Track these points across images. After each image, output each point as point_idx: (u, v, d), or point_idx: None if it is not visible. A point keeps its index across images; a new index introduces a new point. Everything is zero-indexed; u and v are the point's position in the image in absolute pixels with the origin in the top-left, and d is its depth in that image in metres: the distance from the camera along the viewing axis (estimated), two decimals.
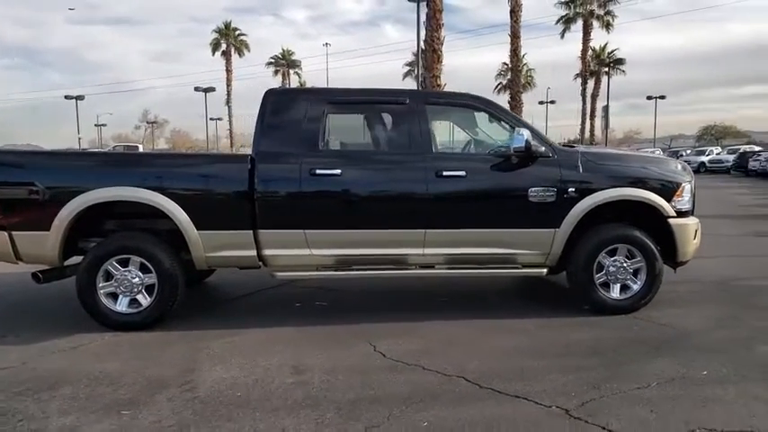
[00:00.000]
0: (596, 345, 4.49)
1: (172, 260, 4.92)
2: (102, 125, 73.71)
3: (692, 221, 5.38)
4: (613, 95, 46.86)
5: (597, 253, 5.20)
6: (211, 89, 56.24)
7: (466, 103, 5.35)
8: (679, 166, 5.61)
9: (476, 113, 5.39)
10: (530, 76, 54.24)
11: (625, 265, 5.23)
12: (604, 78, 48.95)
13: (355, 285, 6.34)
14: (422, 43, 19.19)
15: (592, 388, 3.63)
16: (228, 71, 57.30)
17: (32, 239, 4.82)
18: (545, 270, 5.28)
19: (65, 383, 3.77)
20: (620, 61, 49.87)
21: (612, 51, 49.92)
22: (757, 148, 43.22)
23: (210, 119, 57.63)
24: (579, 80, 48.18)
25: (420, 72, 33.32)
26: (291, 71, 53.28)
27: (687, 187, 5.40)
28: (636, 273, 5.27)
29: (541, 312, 5.36)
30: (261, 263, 5.12)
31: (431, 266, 5.33)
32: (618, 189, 5.18)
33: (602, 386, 3.65)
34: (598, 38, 47.25)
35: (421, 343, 4.55)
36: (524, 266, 5.30)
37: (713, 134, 76.34)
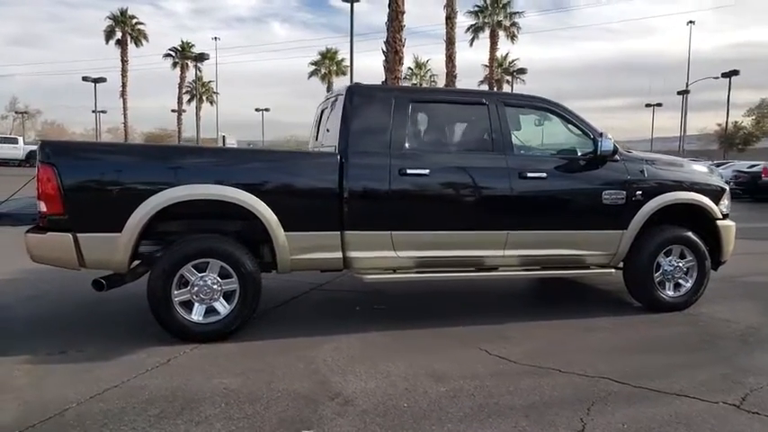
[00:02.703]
0: (684, 340, 4.74)
1: (254, 263, 4.57)
2: None
3: (733, 224, 5.78)
4: None
5: (658, 253, 5.45)
6: (102, 80, 52.49)
7: (541, 106, 5.40)
8: (718, 174, 6.02)
9: (549, 116, 5.45)
10: (433, 81, 55.65)
11: (680, 264, 5.53)
12: (506, 86, 51.46)
13: (394, 288, 6.22)
14: (383, 45, 19.03)
15: (732, 383, 3.80)
16: (124, 61, 54.00)
17: (101, 242, 4.27)
18: (612, 270, 5.46)
19: (199, 403, 3.38)
20: (522, 71, 52.66)
21: (514, 61, 52.59)
22: None
23: (92, 111, 53.68)
24: (484, 87, 49.97)
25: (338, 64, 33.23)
26: (198, 64, 50.90)
27: (728, 192, 5.83)
28: (687, 271, 5.58)
29: (596, 311, 5.51)
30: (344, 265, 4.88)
31: (494, 269, 5.35)
32: (678, 193, 5.47)
33: (740, 380, 3.83)
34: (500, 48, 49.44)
35: (528, 345, 4.53)
36: (591, 267, 5.45)
37: None
